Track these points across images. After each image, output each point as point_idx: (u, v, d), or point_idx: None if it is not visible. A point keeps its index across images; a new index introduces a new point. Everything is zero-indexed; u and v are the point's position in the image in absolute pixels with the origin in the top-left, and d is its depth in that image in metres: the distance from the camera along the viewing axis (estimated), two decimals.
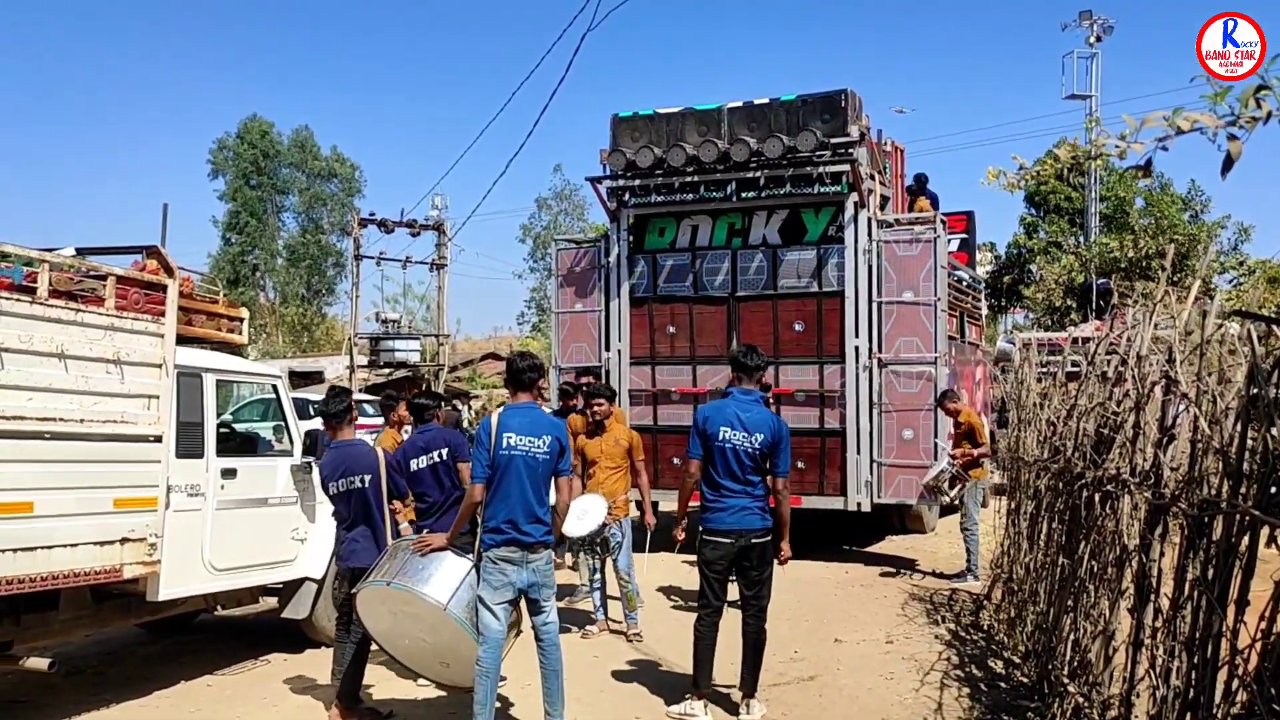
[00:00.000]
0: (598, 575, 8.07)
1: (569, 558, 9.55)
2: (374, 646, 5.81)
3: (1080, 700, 5.10)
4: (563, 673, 5.45)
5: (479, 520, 5.39)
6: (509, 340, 45.22)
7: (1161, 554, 4.38)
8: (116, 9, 73.32)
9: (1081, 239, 28.33)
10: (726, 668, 6.19)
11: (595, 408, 7.88)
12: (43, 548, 5.54)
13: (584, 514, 7.38)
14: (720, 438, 5.82)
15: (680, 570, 10.11)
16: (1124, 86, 57.59)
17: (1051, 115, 47.16)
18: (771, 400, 9.95)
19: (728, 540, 5.82)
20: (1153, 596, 4.34)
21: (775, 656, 6.98)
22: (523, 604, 5.41)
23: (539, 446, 5.32)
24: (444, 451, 6.38)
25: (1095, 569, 5.26)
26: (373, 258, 23.87)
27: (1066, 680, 5.41)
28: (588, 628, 7.95)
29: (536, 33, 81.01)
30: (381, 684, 6.46)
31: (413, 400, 6.86)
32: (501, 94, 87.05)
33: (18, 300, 5.46)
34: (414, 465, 6.35)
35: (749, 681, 5.98)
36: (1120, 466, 4.95)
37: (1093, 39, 29.14)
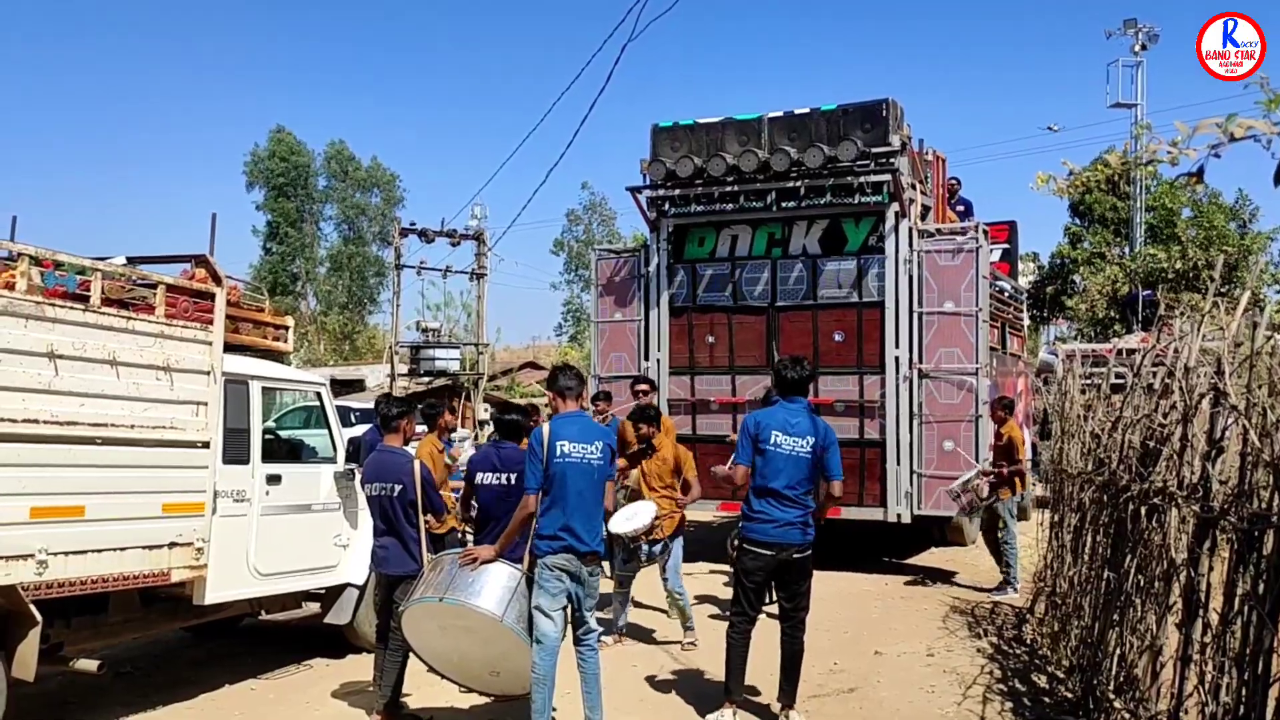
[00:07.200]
0: (624, 588, 8.08)
1: (606, 567, 9.56)
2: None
3: (1126, 716, 5.03)
4: (601, 677, 5.50)
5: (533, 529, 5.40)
6: (548, 349, 45.44)
7: (1210, 568, 4.32)
8: (157, 18, 74.69)
9: (1126, 249, 27.95)
10: (767, 679, 6.18)
11: (640, 433, 7.89)
12: (93, 551, 5.65)
13: (633, 515, 7.46)
14: (772, 442, 5.81)
15: (718, 580, 10.10)
16: (1169, 96, 56.91)
17: (1097, 124, 46.80)
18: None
19: (768, 553, 5.81)
20: (1201, 611, 4.29)
21: (815, 668, 6.95)
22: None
23: (592, 452, 5.37)
24: (513, 477, 5.77)
25: (1141, 583, 5.19)
26: (413, 267, 24.08)
27: (1112, 696, 5.35)
28: (603, 638, 7.90)
29: (570, 44, 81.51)
30: (422, 690, 6.51)
31: (497, 416, 6.55)
32: (532, 102, 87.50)
33: (71, 308, 5.57)
34: (479, 479, 5.99)
35: (788, 692, 5.96)
36: (1167, 479, 4.89)
37: (1137, 47, 28.78)
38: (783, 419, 5.89)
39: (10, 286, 5.30)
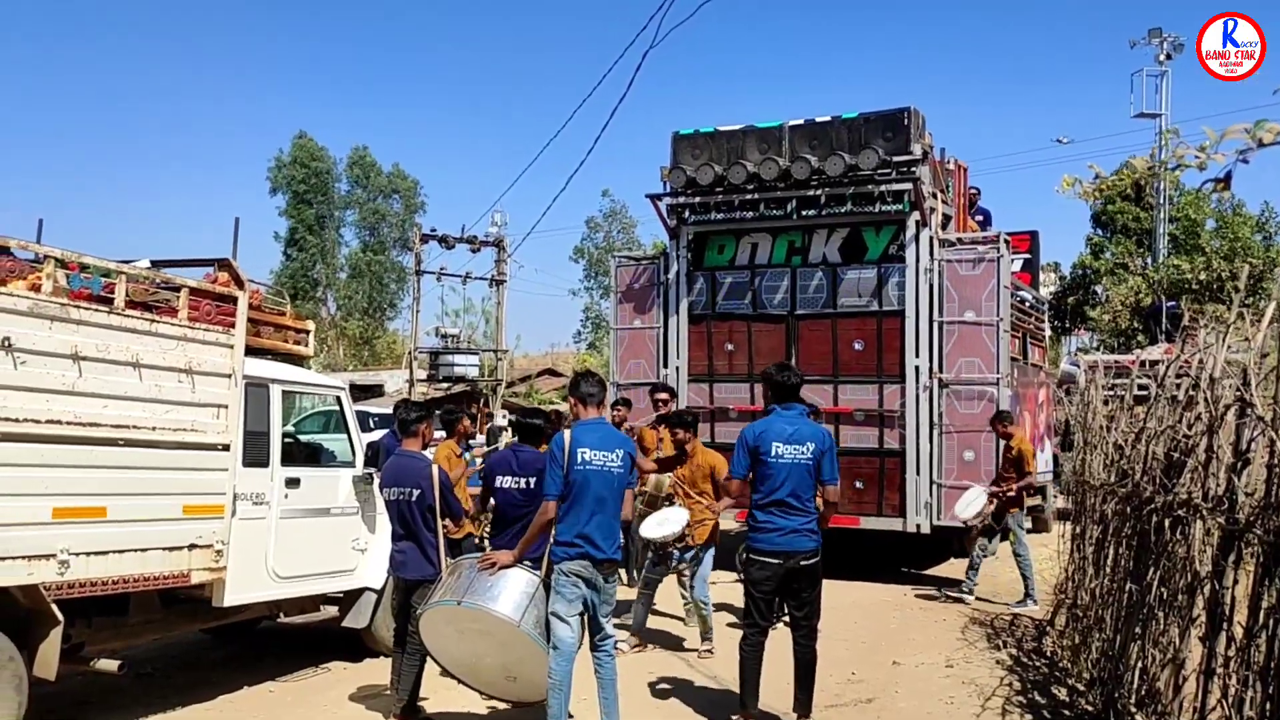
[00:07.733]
0: (649, 590, 8.06)
1: (624, 574, 9.54)
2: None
3: None
4: (617, 683, 5.51)
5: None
6: (566, 356, 45.47)
7: (1235, 581, 4.27)
8: (180, 24, 75.34)
9: (1150, 260, 27.76)
10: (783, 688, 6.14)
11: (677, 438, 7.87)
12: (114, 552, 5.68)
13: (664, 521, 7.50)
14: (773, 453, 5.77)
15: (738, 589, 10.06)
16: (1193, 107, 56.50)
17: (1121, 134, 46.50)
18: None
19: (775, 561, 5.77)
20: (1225, 624, 4.24)
21: (832, 678, 6.92)
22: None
23: (613, 460, 5.37)
24: (532, 481, 5.86)
25: (1164, 596, 5.14)
26: (433, 273, 24.19)
27: (1134, 709, 5.30)
28: (619, 645, 7.88)
29: (589, 48, 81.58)
30: (439, 694, 6.51)
31: (520, 420, 6.59)
32: (552, 106, 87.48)
33: (96, 310, 5.62)
34: (499, 482, 6.07)
35: (803, 702, 5.92)
36: (1192, 491, 4.84)
37: (1162, 57, 28.57)
38: (781, 428, 5.84)
39: (36, 288, 5.35)
